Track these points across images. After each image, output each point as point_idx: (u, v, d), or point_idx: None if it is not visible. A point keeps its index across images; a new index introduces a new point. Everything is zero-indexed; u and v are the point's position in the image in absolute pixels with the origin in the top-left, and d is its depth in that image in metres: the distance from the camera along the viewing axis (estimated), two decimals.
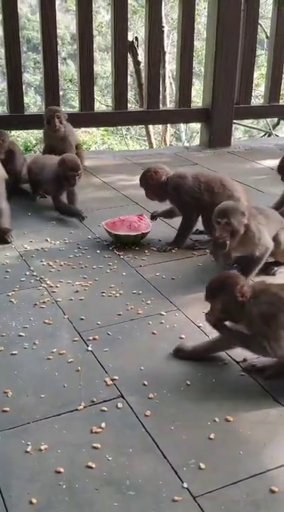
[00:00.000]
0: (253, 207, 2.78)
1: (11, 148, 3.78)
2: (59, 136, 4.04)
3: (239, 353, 2.14)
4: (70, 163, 3.42)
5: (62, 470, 1.65)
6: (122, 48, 4.72)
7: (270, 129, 11.10)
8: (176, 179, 3.06)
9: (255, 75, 6.59)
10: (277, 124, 11.44)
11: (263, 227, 2.66)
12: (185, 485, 1.60)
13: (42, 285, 2.69)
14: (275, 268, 2.82)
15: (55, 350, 2.19)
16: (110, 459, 1.69)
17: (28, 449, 1.72)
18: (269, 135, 10.85)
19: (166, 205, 3.22)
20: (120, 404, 1.90)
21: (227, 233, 2.57)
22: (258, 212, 2.72)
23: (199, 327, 2.36)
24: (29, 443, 1.74)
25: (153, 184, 3.10)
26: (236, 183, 3.15)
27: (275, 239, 2.72)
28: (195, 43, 5.24)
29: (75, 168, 3.41)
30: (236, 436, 1.79)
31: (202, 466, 1.66)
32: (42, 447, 1.72)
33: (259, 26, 6.10)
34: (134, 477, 1.63)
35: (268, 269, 2.79)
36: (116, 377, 2.04)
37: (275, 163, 4.63)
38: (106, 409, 1.89)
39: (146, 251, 3.05)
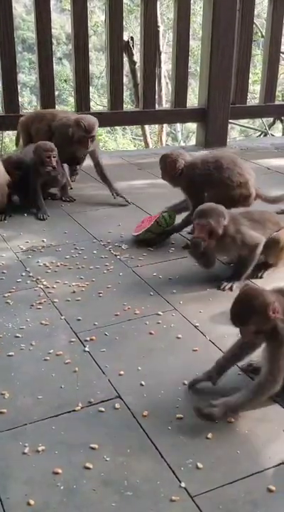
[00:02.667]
0: (242, 212, 2.78)
1: None
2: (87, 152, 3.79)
3: None
4: (44, 145, 3.48)
5: (59, 471, 1.64)
6: (117, 47, 4.70)
7: (266, 129, 11.12)
8: (187, 171, 3.10)
9: (251, 74, 6.57)
10: (273, 123, 11.47)
11: (244, 228, 2.65)
12: (183, 485, 1.60)
13: (39, 286, 2.68)
14: (262, 271, 2.80)
15: (51, 351, 2.19)
16: (108, 459, 1.69)
17: (26, 451, 1.71)
18: (265, 135, 10.87)
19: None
20: (117, 405, 1.90)
21: (205, 233, 2.58)
22: (242, 216, 2.72)
23: (195, 327, 2.36)
24: (26, 444, 1.74)
25: (169, 171, 3.13)
26: (249, 167, 3.18)
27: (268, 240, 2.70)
28: (191, 42, 5.23)
29: (48, 149, 3.46)
30: (233, 436, 1.79)
31: (200, 465, 1.66)
32: (40, 448, 1.72)
33: (254, 26, 6.12)
34: (132, 477, 1.63)
35: (254, 272, 2.75)
36: (114, 378, 2.04)
37: (271, 162, 4.67)
38: (103, 409, 1.88)
39: (143, 251, 3.05)
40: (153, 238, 3.12)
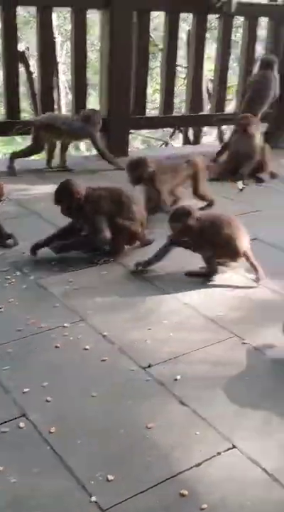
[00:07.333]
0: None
1: None
2: None
3: (146, 358, 2.15)
4: None
5: None
6: (12, 58, 4.64)
7: (167, 139, 11.44)
8: None
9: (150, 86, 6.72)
10: (173, 133, 11.80)
11: None
12: (94, 499, 1.56)
13: None
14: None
15: None
16: (14, 480, 1.61)
17: None
18: (166, 144, 11.17)
19: None
20: (22, 424, 1.82)
21: None
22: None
23: (104, 336, 2.33)
24: None
25: None
26: None
27: None
28: (89, 54, 5.25)
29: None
30: (143, 443, 1.77)
31: (110, 477, 1.63)
32: None
33: (152, 39, 6.25)
34: (41, 497, 1.56)
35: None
36: (18, 396, 1.95)
37: None
38: (7, 429, 1.79)
39: (47, 262, 2.96)
40: None
